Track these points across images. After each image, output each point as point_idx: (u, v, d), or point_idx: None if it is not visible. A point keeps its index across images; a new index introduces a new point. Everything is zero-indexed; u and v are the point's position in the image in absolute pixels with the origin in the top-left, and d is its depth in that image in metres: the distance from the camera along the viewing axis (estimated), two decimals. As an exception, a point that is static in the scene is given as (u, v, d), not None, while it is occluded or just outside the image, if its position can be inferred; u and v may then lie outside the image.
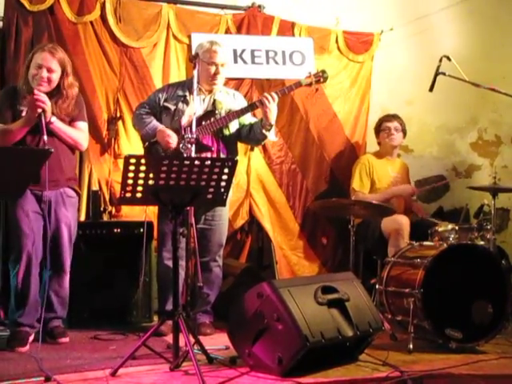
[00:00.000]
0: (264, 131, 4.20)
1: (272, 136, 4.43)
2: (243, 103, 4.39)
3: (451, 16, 5.71)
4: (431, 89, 4.35)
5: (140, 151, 4.35)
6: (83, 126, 4.00)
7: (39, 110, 3.66)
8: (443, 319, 3.75)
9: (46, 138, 3.58)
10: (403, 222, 4.70)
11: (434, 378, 3.21)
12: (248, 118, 4.36)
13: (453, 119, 5.89)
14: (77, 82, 4.02)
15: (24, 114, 3.77)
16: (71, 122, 3.93)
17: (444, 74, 4.28)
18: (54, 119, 3.78)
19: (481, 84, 4.33)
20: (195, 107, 4.01)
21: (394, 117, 5.23)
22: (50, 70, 3.81)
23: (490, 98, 5.30)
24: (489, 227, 4.28)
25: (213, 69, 4.22)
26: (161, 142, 4.16)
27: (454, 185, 5.80)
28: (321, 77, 4.37)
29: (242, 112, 4.24)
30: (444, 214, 5.71)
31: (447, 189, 5.80)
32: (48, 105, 3.72)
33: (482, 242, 4.21)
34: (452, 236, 4.19)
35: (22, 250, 3.76)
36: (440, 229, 4.25)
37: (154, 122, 4.23)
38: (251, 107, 4.28)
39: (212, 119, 4.18)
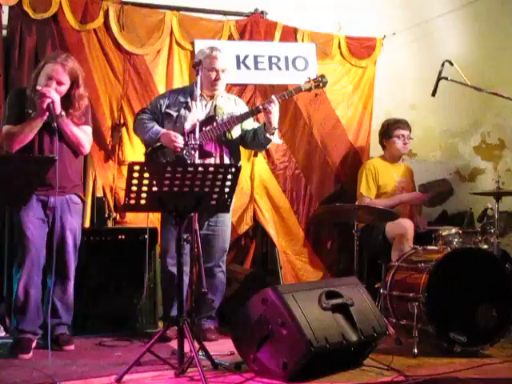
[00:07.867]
0: (268, 135, 4.21)
1: (276, 139, 4.44)
2: (244, 109, 4.40)
3: (453, 20, 5.70)
4: (434, 93, 4.35)
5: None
6: (88, 129, 4.00)
7: (48, 100, 3.66)
8: (447, 323, 3.76)
9: (55, 124, 3.61)
10: (407, 226, 4.69)
11: (438, 382, 3.22)
12: (250, 124, 4.37)
13: (456, 123, 5.87)
14: (87, 92, 4.01)
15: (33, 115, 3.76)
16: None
17: (446, 78, 4.26)
18: (63, 113, 3.78)
19: (483, 88, 4.32)
20: (197, 113, 4.02)
21: (407, 125, 5.19)
22: (59, 83, 3.81)
23: (493, 101, 5.28)
24: (492, 231, 4.28)
25: (213, 75, 4.24)
26: (167, 145, 4.16)
27: (457, 189, 5.79)
28: (320, 82, 4.38)
29: (243, 117, 4.25)
30: (448, 217, 5.71)
31: (451, 193, 5.79)
32: (56, 98, 3.72)
33: (485, 246, 4.21)
34: (456, 240, 4.19)
35: (24, 257, 3.77)
36: (444, 233, 4.25)
37: (157, 127, 4.23)
38: (253, 112, 4.30)
39: (214, 124, 4.20)
